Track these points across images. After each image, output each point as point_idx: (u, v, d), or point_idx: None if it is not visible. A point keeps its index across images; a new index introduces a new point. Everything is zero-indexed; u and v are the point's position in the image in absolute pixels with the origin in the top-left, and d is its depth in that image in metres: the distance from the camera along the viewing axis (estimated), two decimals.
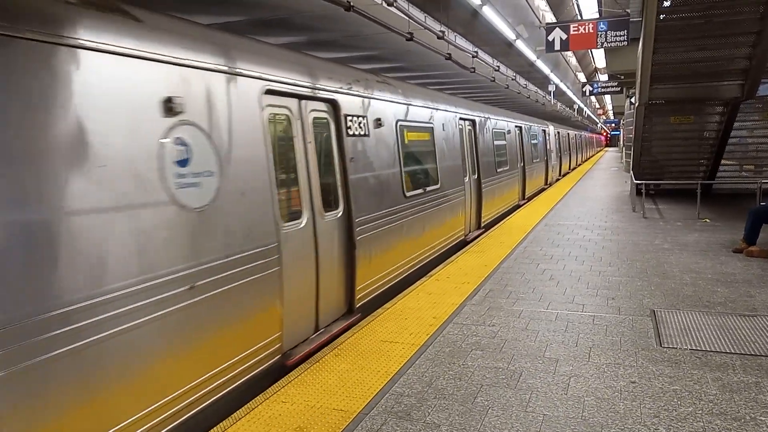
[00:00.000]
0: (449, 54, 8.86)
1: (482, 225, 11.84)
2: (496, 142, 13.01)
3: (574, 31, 11.06)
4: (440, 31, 7.68)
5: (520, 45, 12.05)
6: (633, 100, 23.18)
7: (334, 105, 5.89)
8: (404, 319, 5.80)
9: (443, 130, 9.36)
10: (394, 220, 7.17)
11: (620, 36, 11.03)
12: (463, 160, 10.52)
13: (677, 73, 13.01)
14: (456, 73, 11.85)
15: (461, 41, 9.36)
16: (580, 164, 39.45)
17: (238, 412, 3.92)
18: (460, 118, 10.42)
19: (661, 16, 10.73)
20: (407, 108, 7.92)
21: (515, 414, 3.79)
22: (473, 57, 9.96)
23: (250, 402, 4.07)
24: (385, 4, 5.69)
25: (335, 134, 5.92)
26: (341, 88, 6.03)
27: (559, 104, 28.14)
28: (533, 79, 18.83)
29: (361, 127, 6.41)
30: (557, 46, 10.98)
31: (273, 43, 5.89)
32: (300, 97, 5.28)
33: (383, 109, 7.09)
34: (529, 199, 17.34)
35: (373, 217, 6.56)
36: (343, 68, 6.41)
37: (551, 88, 20.61)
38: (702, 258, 8.30)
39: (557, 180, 25.04)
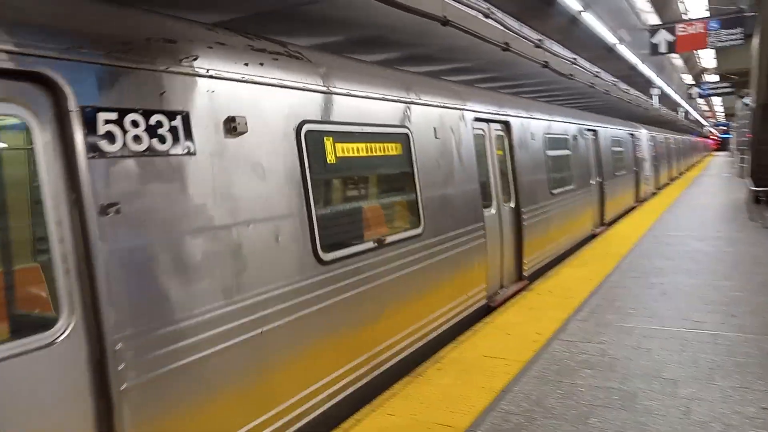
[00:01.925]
0: (546, 62, 8.65)
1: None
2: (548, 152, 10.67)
3: (680, 31, 10.44)
4: (537, 39, 7.51)
5: (622, 49, 11.56)
6: (747, 101, 21.44)
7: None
8: (506, 334, 5.67)
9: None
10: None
11: (735, 34, 10.27)
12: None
13: None
14: (551, 80, 11.57)
15: (558, 48, 9.11)
16: (683, 173, 35.64)
17: (345, 423, 3.99)
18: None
19: None
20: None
21: None
22: (571, 63, 9.66)
23: (357, 413, 4.14)
24: (481, 17, 5.66)
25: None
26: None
27: (663, 108, 26.65)
28: (634, 84, 17.99)
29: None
30: (663, 49, 10.41)
31: (369, 61, 6.13)
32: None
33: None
34: (609, 224, 13.91)
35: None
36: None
37: (655, 92, 19.58)
38: None
39: (653, 194, 21.21)
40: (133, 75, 2.97)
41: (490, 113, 7.61)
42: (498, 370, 4.78)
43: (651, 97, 21.49)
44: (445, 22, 5.21)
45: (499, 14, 6.06)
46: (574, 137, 11.71)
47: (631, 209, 16.90)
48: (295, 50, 4.38)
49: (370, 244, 4.75)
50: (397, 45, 7.04)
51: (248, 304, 3.49)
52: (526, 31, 7.45)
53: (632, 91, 18.21)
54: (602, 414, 3.91)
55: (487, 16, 5.67)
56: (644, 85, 19.47)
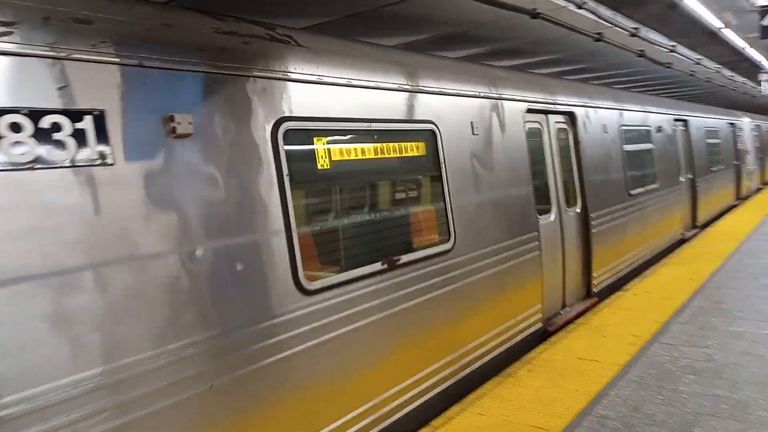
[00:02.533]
0: (641, 51, 8.21)
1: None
2: (626, 147, 9.06)
3: None
4: (633, 28, 7.14)
5: (727, 33, 10.76)
6: None
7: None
8: (601, 335, 5.46)
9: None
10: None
11: None
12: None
13: None
14: (646, 69, 10.99)
15: (655, 36, 8.61)
16: None
17: (435, 421, 4.00)
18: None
19: None
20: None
21: None
22: (669, 51, 9.11)
23: (446, 412, 4.13)
24: (573, 7, 5.45)
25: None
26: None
27: None
28: (739, 69, 16.72)
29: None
30: None
31: (455, 57, 6.02)
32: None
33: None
34: (703, 226, 12.40)
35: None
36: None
37: (764, 78, 18.07)
38: None
39: (758, 190, 19.53)
40: (17, 64, 2.32)
41: (548, 103, 6.62)
42: (592, 373, 4.61)
43: (759, 84, 19.85)
44: (535, 15, 5.07)
45: (592, 3, 5.81)
46: (659, 128, 10.34)
47: (731, 208, 15.32)
48: (284, 33, 3.69)
49: (377, 267, 3.91)
50: (482, 40, 6.95)
51: (190, 355, 2.75)
52: (620, 19, 7.11)
53: (738, 77, 16.95)
54: (709, 423, 3.68)
55: (580, 6, 5.45)
56: (751, 70, 18.04)
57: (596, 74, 12.54)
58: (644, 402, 4.04)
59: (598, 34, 6.68)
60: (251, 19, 3.75)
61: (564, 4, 5.60)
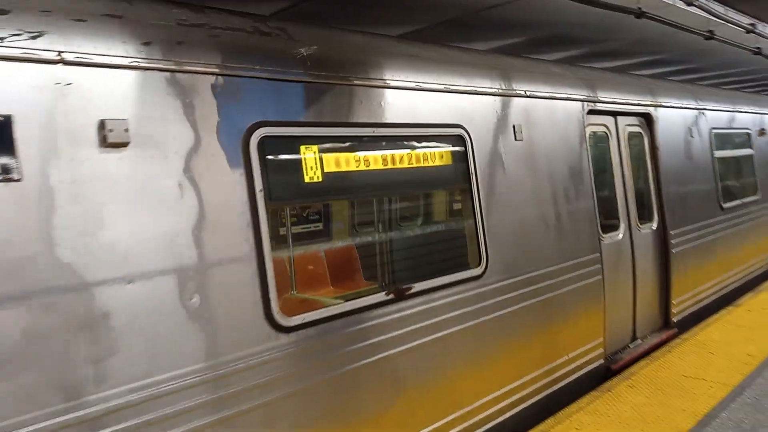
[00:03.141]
0: (758, 48, 7.62)
1: None
2: (717, 153, 7.74)
3: None
4: (749, 24, 6.65)
5: None
6: None
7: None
8: (709, 353, 5.12)
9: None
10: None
11: None
12: None
13: None
14: (763, 68, 10.20)
15: None
16: None
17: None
18: None
19: None
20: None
21: None
22: None
23: (540, 425, 4.03)
24: (682, 5, 5.16)
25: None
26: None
27: None
28: None
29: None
30: None
31: (548, 60, 5.81)
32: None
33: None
34: None
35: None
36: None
37: None
38: None
39: None
40: None
41: (616, 103, 5.81)
42: (699, 392, 4.33)
43: None
44: (640, 14, 4.85)
45: (703, 0, 5.47)
46: (762, 131, 9.14)
47: None
48: (275, 26, 3.23)
49: (380, 297, 3.34)
50: (581, 42, 6.72)
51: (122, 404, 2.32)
52: (734, 15, 6.64)
53: None
54: None
55: (690, 3, 5.16)
56: None
57: (704, 74, 11.79)
58: (761, 427, 3.74)
59: (709, 32, 6.27)
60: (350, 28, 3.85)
61: (672, 1, 5.32)
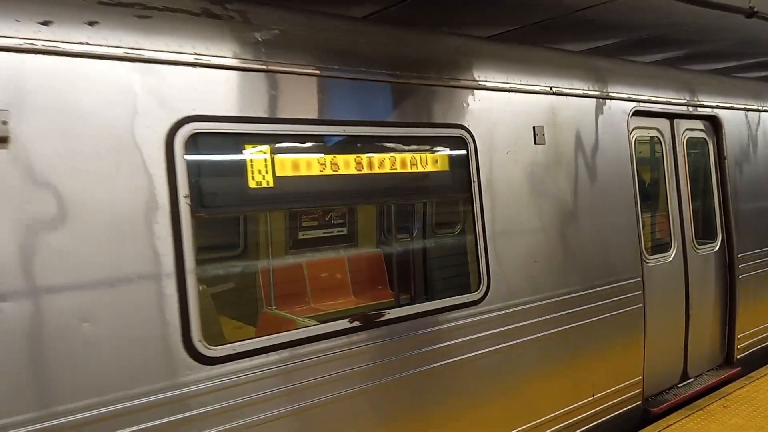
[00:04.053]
0: None
1: None
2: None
3: None
4: None
5: None
6: None
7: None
8: None
9: None
10: None
11: None
12: None
13: None
14: None
15: None
16: None
17: None
18: None
19: None
20: None
21: None
22: None
23: None
24: None
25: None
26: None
27: None
28: None
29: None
30: None
31: (644, 62, 5.48)
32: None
33: None
34: None
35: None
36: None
37: None
38: None
39: None
40: None
41: (673, 103, 5.10)
42: None
43: None
44: (751, 14, 4.58)
45: None
46: None
47: None
48: (232, 8, 2.77)
49: (340, 325, 2.85)
50: (680, 43, 6.41)
51: None
52: None
53: None
54: None
55: None
56: None
57: None
58: None
59: None
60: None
61: None
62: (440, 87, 3.47)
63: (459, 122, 3.47)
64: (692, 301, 5.08)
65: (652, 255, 4.74)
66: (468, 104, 3.56)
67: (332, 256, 3.72)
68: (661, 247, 5.03)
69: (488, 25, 4.77)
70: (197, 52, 2.55)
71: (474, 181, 3.44)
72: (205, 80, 2.58)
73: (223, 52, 2.64)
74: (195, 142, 2.53)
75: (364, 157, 3.08)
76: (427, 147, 3.47)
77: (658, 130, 5.11)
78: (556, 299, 3.86)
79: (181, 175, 2.46)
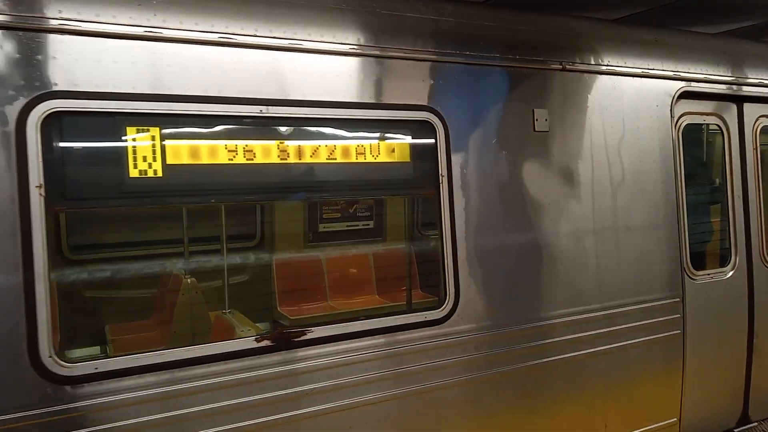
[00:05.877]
0: None
1: None
2: None
3: None
4: None
5: None
6: None
7: None
8: None
9: None
10: None
11: None
12: None
13: None
14: None
15: None
16: None
17: None
18: None
19: None
20: None
21: None
22: None
23: None
24: None
25: None
26: None
27: None
28: None
29: None
30: None
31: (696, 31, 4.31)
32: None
33: None
34: None
35: None
36: None
37: None
38: None
39: None
40: None
41: (739, 83, 4.13)
42: None
43: None
44: None
45: None
46: None
47: None
48: None
49: (246, 343, 2.44)
50: None
51: None
52: None
53: None
54: None
55: None
56: None
57: None
58: None
59: None
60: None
61: None
62: (400, 60, 2.85)
63: (423, 103, 2.84)
64: (757, 329, 4.26)
65: (700, 270, 3.97)
66: (435, 82, 2.89)
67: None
68: (716, 256, 4.30)
69: (614, 8, 3.90)
70: (63, 17, 2.12)
71: (442, 175, 2.87)
72: (73, 49, 2.16)
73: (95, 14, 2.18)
74: (57, 123, 2.17)
75: (291, 145, 2.57)
76: (379, 133, 2.83)
77: (718, 116, 4.17)
78: (554, 321, 3.26)
79: (34, 163, 2.10)
